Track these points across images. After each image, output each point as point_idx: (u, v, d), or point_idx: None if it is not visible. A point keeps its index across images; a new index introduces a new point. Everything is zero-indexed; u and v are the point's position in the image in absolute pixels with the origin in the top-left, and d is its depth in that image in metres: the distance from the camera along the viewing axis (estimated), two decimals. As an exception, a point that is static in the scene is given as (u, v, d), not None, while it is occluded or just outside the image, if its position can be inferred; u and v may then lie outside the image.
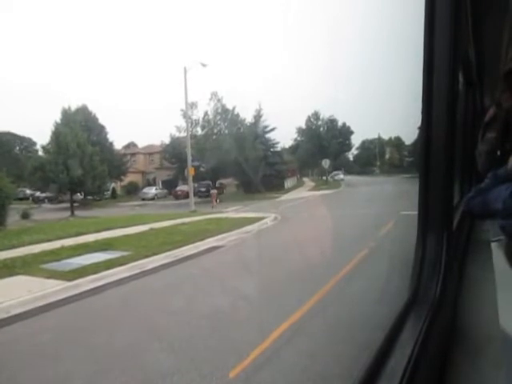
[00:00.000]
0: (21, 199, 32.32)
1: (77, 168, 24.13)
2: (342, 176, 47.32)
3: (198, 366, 4.23)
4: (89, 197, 29.79)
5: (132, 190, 41.23)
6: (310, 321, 5.33)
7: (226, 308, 6.00)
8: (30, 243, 11.74)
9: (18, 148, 47.52)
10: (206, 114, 33.42)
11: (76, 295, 7.19)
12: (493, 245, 2.13)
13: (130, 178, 42.36)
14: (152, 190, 39.14)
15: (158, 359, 4.48)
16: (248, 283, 7.16)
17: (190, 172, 24.24)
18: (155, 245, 11.09)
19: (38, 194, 33.67)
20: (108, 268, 8.71)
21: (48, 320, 6.17)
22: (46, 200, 33.67)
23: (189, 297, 6.80)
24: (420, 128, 1.59)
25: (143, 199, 36.41)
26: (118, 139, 53.34)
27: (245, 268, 8.57)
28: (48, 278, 8.04)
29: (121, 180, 40.44)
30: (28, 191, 34.14)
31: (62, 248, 10.83)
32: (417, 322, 1.22)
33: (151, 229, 14.27)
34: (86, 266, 8.79)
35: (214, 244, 11.78)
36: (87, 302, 6.91)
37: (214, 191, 28.89)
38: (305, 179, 49.48)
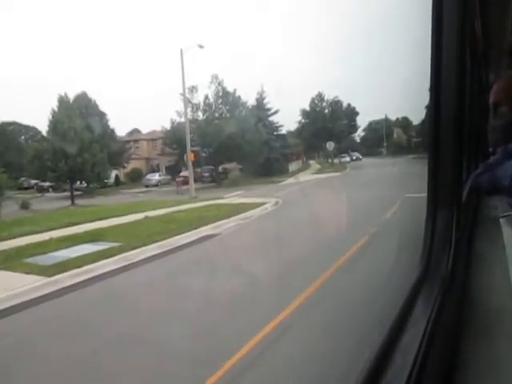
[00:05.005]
0: (26, 188, 32.19)
1: (75, 156, 23.67)
2: (347, 158, 46.35)
3: None
4: (90, 185, 29.40)
5: (136, 177, 40.71)
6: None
7: (209, 304, 5.56)
8: (20, 235, 11.32)
9: (23, 137, 47.32)
10: (206, 97, 32.45)
11: (54, 292, 6.74)
12: (501, 220, 2.10)
13: (133, 165, 41.87)
14: (155, 177, 38.67)
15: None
16: (240, 274, 6.75)
17: (190, 157, 23.66)
18: (147, 235, 10.62)
19: (41, 183, 33.37)
20: (94, 261, 8.29)
21: (17, 321, 5.74)
22: (50, 189, 33.35)
23: (173, 293, 6.37)
24: (428, 106, 1.57)
25: (147, 186, 35.95)
26: (122, 126, 52.86)
27: (239, 258, 8.17)
28: (27, 273, 7.61)
29: (124, 167, 39.99)
30: (32, 180, 33.85)
31: (51, 240, 10.39)
32: (429, 297, 1.23)
33: (146, 217, 13.79)
34: (70, 260, 8.36)
35: (210, 232, 11.30)
36: (63, 300, 6.47)
37: (179, 179, 28.44)
38: (311, 162, 48.68)
